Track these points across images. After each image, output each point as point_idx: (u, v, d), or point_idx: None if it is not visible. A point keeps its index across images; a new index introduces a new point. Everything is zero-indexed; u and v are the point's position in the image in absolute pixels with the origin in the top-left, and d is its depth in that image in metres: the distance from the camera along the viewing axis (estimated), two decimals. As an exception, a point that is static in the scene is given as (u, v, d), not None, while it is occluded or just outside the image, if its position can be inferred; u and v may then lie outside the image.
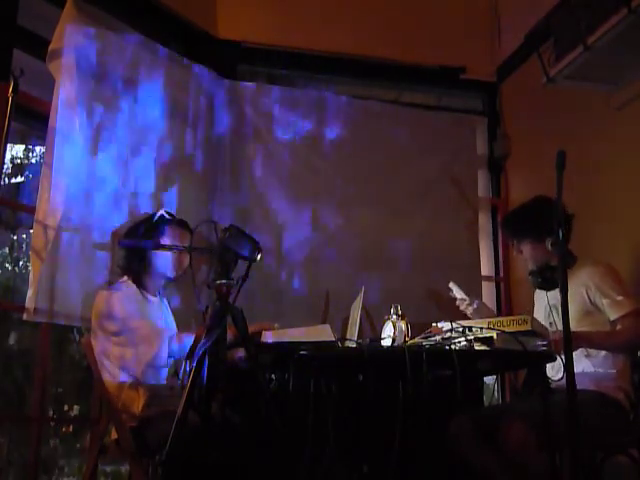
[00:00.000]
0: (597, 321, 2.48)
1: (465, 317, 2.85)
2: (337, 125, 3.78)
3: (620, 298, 2.44)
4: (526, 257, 2.69)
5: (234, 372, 2.29)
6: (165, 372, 2.59)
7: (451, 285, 2.96)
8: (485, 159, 4.31)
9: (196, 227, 2.51)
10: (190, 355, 2.31)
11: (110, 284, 2.64)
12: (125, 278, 2.59)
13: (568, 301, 1.75)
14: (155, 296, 2.67)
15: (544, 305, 2.68)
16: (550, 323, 2.60)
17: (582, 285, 2.50)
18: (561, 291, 1.76)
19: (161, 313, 2.68)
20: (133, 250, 2.60)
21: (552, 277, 2.60)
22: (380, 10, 4.13)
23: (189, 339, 2.40)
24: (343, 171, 3.76)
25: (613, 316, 2.45)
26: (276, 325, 2.50)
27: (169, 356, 2.43)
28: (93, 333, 2.50)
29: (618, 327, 2.44)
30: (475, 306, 2.85)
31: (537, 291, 2.79)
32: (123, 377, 2.43)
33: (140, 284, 2.60)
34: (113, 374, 2.44)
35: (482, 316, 2.75)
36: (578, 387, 1.73)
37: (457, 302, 2.94)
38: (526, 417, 2.23)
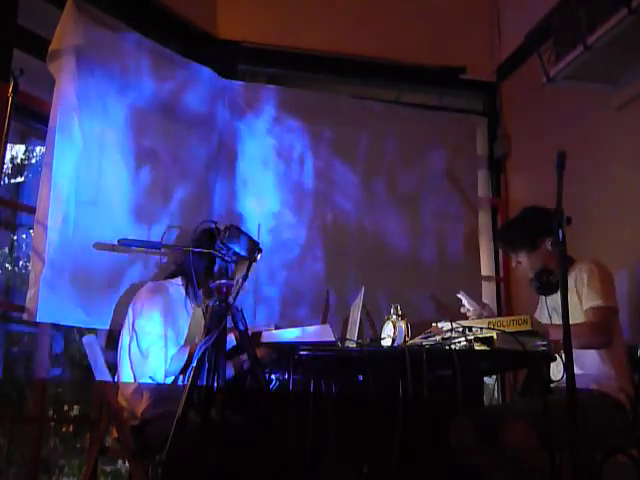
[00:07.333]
0: (581, 314, 2.47)
1: (466, 317, 2.84)
2: (337, 125, 3.78)
3: (592, 293, 2.44)
4: (525, 267, 2.69)
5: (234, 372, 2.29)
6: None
7: (461, 296, 2.79)
8: (485, 159, 4.31)
9: (196, 227, 2.51)
10: (189, 360, 2.30)
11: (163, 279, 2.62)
12: (179, 280, 2.57)
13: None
14: (198, 306, 2.57)
15: (545, 310, 2.68)
16: None
17: (573, 282, 2.51)
18: (561, 291, 1.76)
19: (190, 323, 2.59)
20: (207, 256, 2.43)
21: (549, 281, 2.61)
22: (380, 10, 4.13)
23: (183, 353, 2.39)
24: (343, 171, 3.76)
25: (584, 307, 2.45)
26: (271, 327, 2.50)
27: (166, 375, 2.39)
28: (127, 325, 2.49)
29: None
30: (486, 313, 2.75)
31: (540, 297, 2.79)
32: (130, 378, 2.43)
33: (191, 290, 2.54)
34: (127, 373, 2.44)
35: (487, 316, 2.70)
36: (581, 387, 1.73)
37: (463, 310, 2.78)
38: (526, 417, 2.23)
